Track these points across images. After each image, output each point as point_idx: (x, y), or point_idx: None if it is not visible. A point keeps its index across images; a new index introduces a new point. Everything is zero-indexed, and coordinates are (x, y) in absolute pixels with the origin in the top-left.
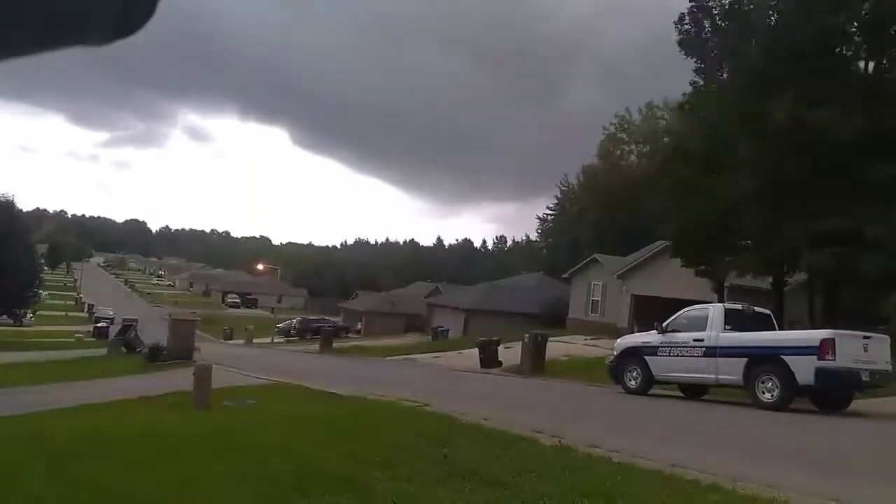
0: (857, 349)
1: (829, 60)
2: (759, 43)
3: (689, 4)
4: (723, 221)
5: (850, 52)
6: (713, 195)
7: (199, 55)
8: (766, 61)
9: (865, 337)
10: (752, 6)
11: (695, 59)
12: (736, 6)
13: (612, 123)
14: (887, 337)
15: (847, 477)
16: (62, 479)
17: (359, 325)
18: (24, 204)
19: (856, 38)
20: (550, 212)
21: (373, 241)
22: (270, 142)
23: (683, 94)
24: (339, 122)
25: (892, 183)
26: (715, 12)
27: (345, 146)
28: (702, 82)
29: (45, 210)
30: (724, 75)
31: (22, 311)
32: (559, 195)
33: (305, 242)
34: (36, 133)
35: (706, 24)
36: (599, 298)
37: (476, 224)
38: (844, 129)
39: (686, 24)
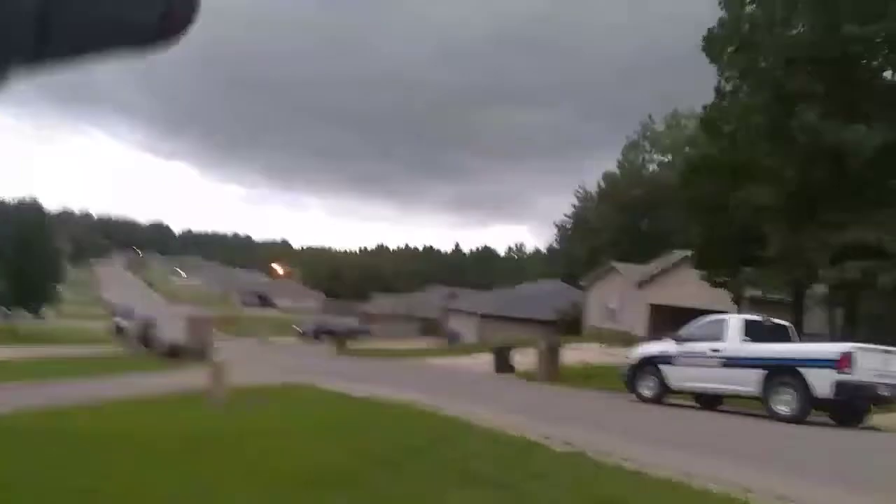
0: (876, 363)
1: (854, 72)
2: (781, 55)
3: (718, 15)
4: (745, 234)
5: (876, 64)
6: (736, 207)
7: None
8: (787, 73)
9: (886, 351)
10: (776, 16)
11: (718, 72)
12: (758, 18)
13: (634, 131)
14: None
15: (863, 491)
16: (84, 471)
17: (374, 328)
18: (50, 204)
19: (884, 50)
20: (567, 219)
21: (393, 247)
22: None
23: (704, 107)
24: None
25: None
26: (745, 24)
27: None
28: (725, 93)
29: (71, 211)
30: (747, 87)
31: (44, 308)
32: (576, 203)
33: (325, 247)
34: (64, 134)
35: (736, 34)
36: (616, 306)
37: (496, 230)
38: (867, 142)
39: (715, 33)
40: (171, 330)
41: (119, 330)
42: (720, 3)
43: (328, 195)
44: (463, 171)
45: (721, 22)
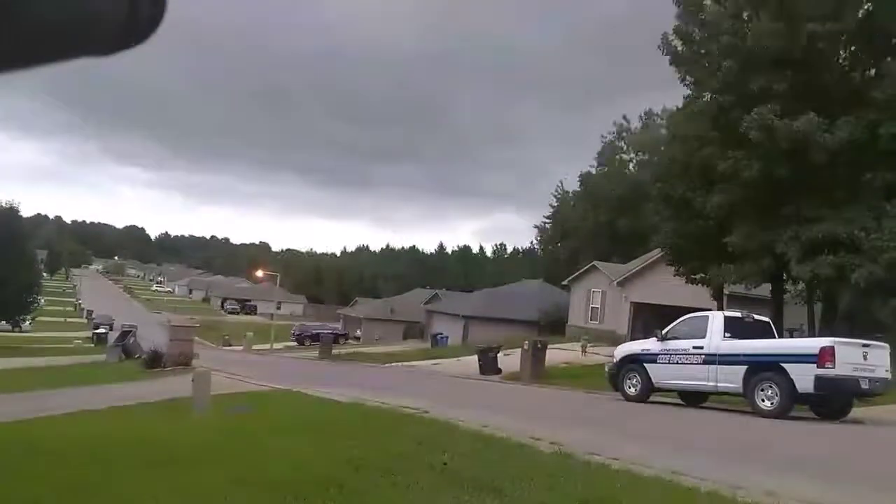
0: (856, 357)
1: (817, 69)
2: (741, 54)
3: (673, 24)
4: (717, 231)
5: (844, 62)
6: (706, 205)
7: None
8: (747, 72)
9: (865, 345)
10: (734, 15)
11: (685, 74)
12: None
13: (610, 132)
14: (886, 345)
15: (847, 485)
16: (59, 485)
17: (358, 332)
18: (25, 209)
19: (849, 47)
20: (546, 220)
21: (374, 248)
22: None
23: (677, 107)
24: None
25: (887, 190)
26: (701, 19)
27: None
28: (690, 95)
29: (45, 216)
30: (710, 88)
31: (21, 317)
32: (555, 203)
33: (305, 249)
34: (37, 137)
35: (695, 35)
36: (599, 305)
37: (475, 231)
38: (826, 134)
39: (673, 41)
40: (152, 338)
41: (99, 339)
42: (677, 3)
43: (274, 183)
44: (442, 162)
45: (678, 27)
